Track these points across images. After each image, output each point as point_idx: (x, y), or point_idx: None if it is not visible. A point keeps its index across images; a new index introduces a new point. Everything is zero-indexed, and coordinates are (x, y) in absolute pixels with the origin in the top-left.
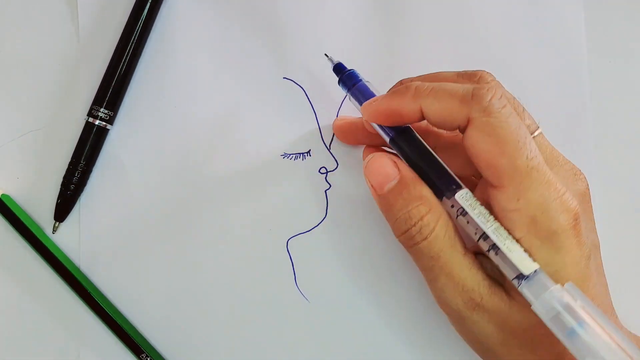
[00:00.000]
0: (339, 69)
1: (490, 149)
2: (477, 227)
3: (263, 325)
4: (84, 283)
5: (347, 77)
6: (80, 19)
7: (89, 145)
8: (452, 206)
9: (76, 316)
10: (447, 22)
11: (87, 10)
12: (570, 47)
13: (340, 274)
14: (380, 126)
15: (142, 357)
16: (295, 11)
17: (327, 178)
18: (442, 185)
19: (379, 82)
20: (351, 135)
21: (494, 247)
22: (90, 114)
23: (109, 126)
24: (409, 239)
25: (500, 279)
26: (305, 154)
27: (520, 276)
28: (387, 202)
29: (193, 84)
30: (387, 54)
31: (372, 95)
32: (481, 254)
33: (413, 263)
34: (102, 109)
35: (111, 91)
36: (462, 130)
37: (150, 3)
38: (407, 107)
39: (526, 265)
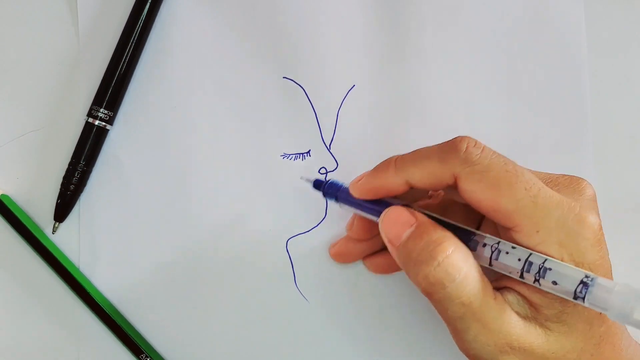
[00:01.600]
0: (318, 184)
1: (487, 196)
2: (519, 259)
3: (263, 325)
4: (83, 283)
5: (328, 187)
6: (80, 19)
7: (89, 146)
8: (484, 245)
9: (76, 316)
10: (446, 21)
11: (87, 10)
12: (571, 47)
13: (340, 274)
14: (371, 208)
15: (142, 357)
16: (295, 11)
17: (327, 178)
18: (462, 234)
19: (379, 81)
20: (349, 253)
21: (541, 273)
22: (90, 114)
23: (108, 126)
24: (435, 284)
25: (533, 314)
26: (305, 154)
27: (580, 290)
28: (406, 250)
29: (193, 84)
30: (386, 53)
31: (354, 198)
32: (507, 288)
33: None
34: (102, 109)
35: (111, 91)
36: (454, 187)
37: (150, 3)
38: (391, 181)
39: (583, 272)
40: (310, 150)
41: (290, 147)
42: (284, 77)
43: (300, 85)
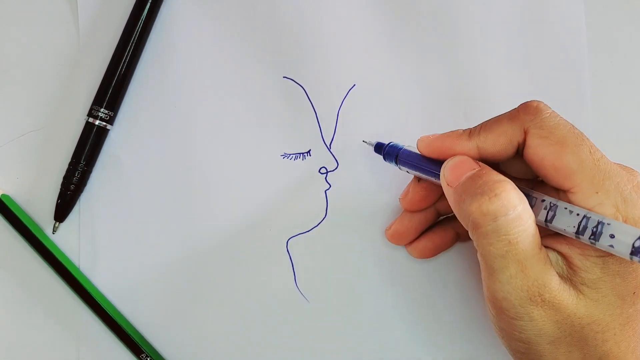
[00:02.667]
0: (379, 147)
1: (552, 151)
2: (577, 214)
3: (263, 325)
4: (83, 283)
5: (390, 149)
6: (80, 19)
7: (89, 146)
8: (543, 200)
9: (76, 316)
10: (446, 20)
11: (87, 10)
12: (571, 47)
13: (340, 274)
14: (432, 168)
15: (142, 357)
16: (295, 11)
17: (327, 178)
18: (522, 189)
19: (379, 81)
20: (404, 232)
21: (599, 229)
22: (90, 114)
23: (109, 126)
24: (487, 214)
25: (569, 275)
26: (305, 154)
27: (638, 249)
28: (464, 186)
29: (193, 84)
30: (387, 52)
31: (416, 156)
32: (549, 248)
33: (413, 263)
34: (102, 109)
35: (111, 91)
36: (522, 149)
37: (150, 3)
38: (463, 144)
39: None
40: (310, 150)
41: (290, 147)
42: (284, 77)
43: (300, 85)
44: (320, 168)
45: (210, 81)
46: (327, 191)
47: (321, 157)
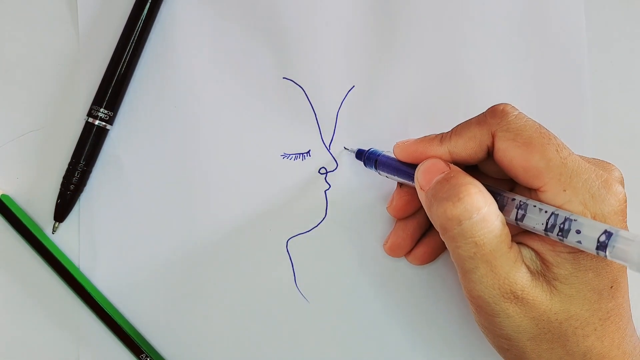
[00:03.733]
0: (360, 153)
1: (519, 153)
2: (545, 211)
3: (263, 325)
4: (83, 283)
5: (369, 155)
6: (80, 19)
7: (89, 146)
8: (513, 199)
9: (76, 316)
10: (446, 21)
11: (87, 10)
12: (571, 47)
13: (340, 274)
14: (409, 172)
15: (142, 357)
16: (295, 11)
17: (327, 178)
18: (492, 190)
19: (379, 81)
20: (401, 243)
21: (566, 225)
22: (90, 114)
23: (108, 126)
24: (451, 219)
25: (543, 271)
26: (305, 154)
27: (602, 244)
28: (433, 190)
29: (193, 84)
30: (386, 53)
31: (394, 162)
32: (523, 244)
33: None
34: (102, 109)
35: (111, 91)
36: (491, 152)
37: (150, 3)
38: (435, 149)
39: (606, 225)
40: (310, 150)
41: (290, 147)
42: (284, 78)
43: (300, 86)
44: (320, 168)
45: (210, 81)
46: (327, 191)
47: (321, 157)
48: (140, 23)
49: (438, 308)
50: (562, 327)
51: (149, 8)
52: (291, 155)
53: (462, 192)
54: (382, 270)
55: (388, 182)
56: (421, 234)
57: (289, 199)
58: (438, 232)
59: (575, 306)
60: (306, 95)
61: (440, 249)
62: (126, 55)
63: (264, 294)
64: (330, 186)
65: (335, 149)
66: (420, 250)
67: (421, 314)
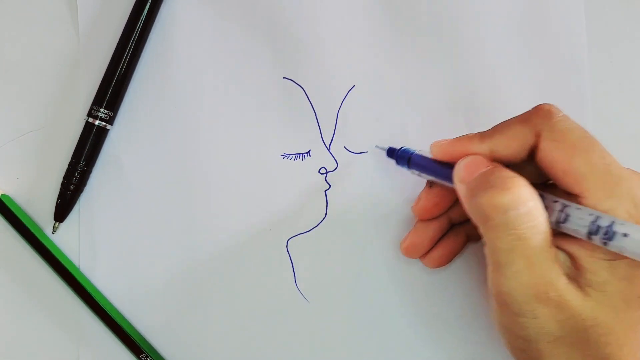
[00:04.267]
0: (391, 151)
1: (563, 155)
2: (590, 214)
3: (263, 326)
4: (83, 283)
5: (401, 153)
6: (80, 19)
7: (89, 146)
8: (556, 201)
9: (76, 316)
10: (446, 21)
11: (87, 10)
12: (571, 47)
13: (340, 274)
14: (445, 171)
15: (142, 357)
16: (295, 11)
17: (327, 178)
18: (536, 190)
19: (379, 81)
20: (419, 244)
21: (610, 231)
22: (90, 114)
23: (108, 126)
24: (497, 207)
25: (576, 276)
26: (305, 154)
27: None
28: (477, 181)
29: (193, 84)
30: (387, 52)
31: (428, 161)
32: (558, 248)
33: (412, 263)
34: (102, 109)
35: (111, 91)
36: (534, 152)
37: (150, 3)
38: (475, 148)
39: None
40: (310, 150)
41: (290, 147)
42: (284, 77)
43: (300, 86)
44: (320, 168)
45: (210, 81)
46: (327, 191)
47: (321, 157)
48: (140, 23)
49: (438, 308)
50: (586, 333)
51: (149, 8)
52: (291, 155)
53: (509, 183)
54: (382, 270)
55: (388, 182)
56: (440, 237)
57: (289, 199)
58: (455, 237)
59: (603, 314)
60: (306, 95)
61: (455, 253)
62: (126, 55)
63: (264, 294)
64: (330, 186)
65: (336, 148)
66: (437, 252)
67: (421, 314)
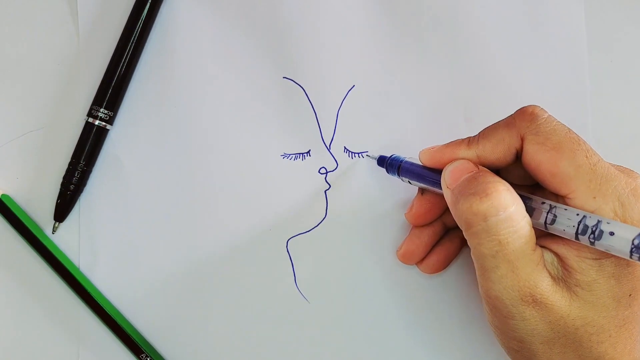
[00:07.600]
0: (382, 160)
1: (549, 157)
2: (577, 214)
3: (263, 325)
4: (83, 283)
5: (392, 161)
6: (80, 19)
7: (89, 145)
8: (543, 203)
9: (76, 316)
10: (446, 21)
11: (87, 10)
12: (571, 47)
13: (340, 274)
14: (434, 177)
15: (142, 357)
16: (295, 11)
17: (327, 178)
18: (521, 194)
19: (379, 81)
20: (415, 250)
21: (596, 230)
22: (90, 114)
23: (108, 126)
24: (477, 214)
25: (564, 276)
26: (305, 154)
27: (637, 246)
28: (460, 187)
29: (193, 84)
30: (387, 52)
31: (418, 167)
32: (545, 248)
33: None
34: (102, 109)
35: (111, 91)
36: (520, 156)
37: (150, 3)
38: (463, 154)
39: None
40: (310, 150)
41: (290, 147)
42: (284, 77)
43: (300, 85)
44: (320, 168)
45: (210, 81)
46: (327, 191)
47: (321, 157)
48: (140, 23)
49: (438, 308)
50: (577, 333)
51: (149, 8)
52: (291, 155)
53: (490, 189)
54: (382, 270)
55: (388, 183)
56: (435, 243)
57: (289, 198)
58: (450, 242)
59: (593, 313)
60: (306, 95)
61: (451, 258)
62: (126, 55)
63: (264, 294)
64: (330, 186)
65: (336, 148)
66: (433, 258)
67: (421, 314)
